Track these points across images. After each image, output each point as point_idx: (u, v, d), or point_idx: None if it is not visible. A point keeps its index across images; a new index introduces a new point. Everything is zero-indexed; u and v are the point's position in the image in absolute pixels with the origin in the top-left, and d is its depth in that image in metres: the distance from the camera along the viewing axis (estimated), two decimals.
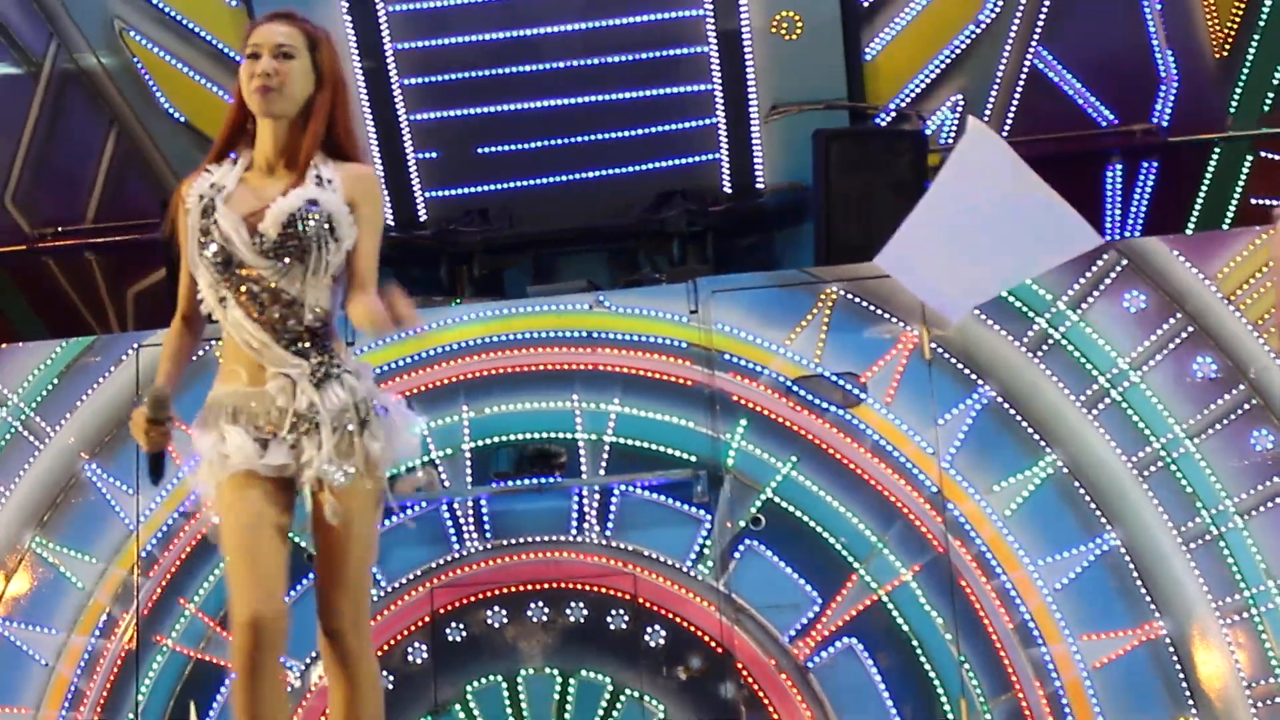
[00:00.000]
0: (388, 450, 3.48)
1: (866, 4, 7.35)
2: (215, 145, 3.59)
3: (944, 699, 6.04)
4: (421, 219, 7.59)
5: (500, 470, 6.44)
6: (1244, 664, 5.93)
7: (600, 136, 7.47)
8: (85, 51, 7.68)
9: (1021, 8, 7.34)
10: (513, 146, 7.49)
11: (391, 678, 6.25)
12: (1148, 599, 6.00)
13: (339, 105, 3.56)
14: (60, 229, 7.90)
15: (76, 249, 7.92)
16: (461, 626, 6.31)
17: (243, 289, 3.46)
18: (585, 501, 6.36)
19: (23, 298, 8.01)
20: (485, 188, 7.60)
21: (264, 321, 3.44)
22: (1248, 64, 7.37)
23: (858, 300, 6.34)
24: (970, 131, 4.49)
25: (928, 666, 6.07)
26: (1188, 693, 5.93)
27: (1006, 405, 6.20)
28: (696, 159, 7.50)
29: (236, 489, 3.38)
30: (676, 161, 7.51)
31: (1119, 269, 6.23)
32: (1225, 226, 7.36)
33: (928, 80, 7.44)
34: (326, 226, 3.46)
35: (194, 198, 3.52)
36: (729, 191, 7.51)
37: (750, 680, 6.14)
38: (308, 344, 3.45)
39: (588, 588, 6.28)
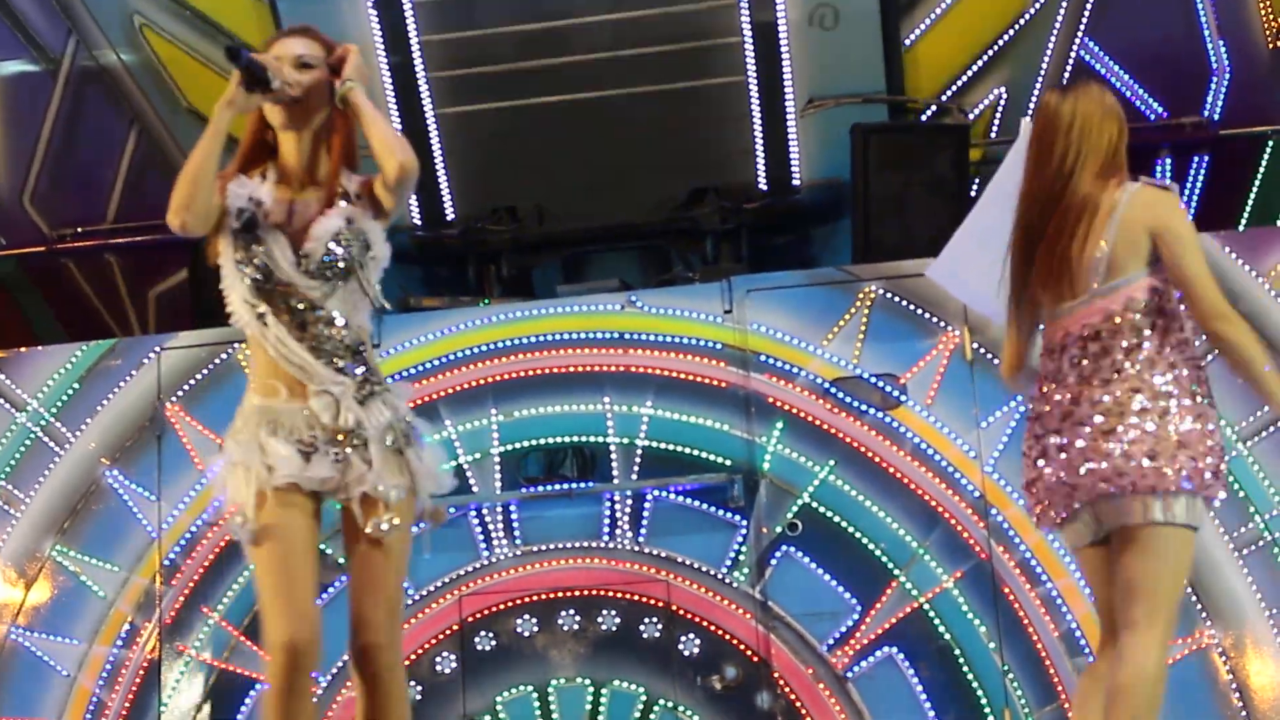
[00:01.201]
0: (430, 472, 3.58)
1: None
2: (238, 159, 3.63)
3: (987, 710, 5.95)
4: (449, 217, 7.54)
5: (530, 475, 6.40)
6: None
7: (632, 131, 7.39)
8: (105, 48, 7.63)
9: None
10: (542, 142, 7.41)
11: (419, 687, 6.21)
12: (1198, 607, 5.88)
13: (352, 117, 3.64)
14: (80, 230, 7.84)
15: (97, 250, 7.87)
16: (491, 635, 6.25)
17: (284, 306, 3.52)
18: (617, 507, 6.30)
19: (42, 300, 7.97)
20: (514, 185, 7.52)
21: (306, 338, 3.50)
22: None
23: (897, 299, 6.26)
24: (1024, 135, 4.40)
25: (970, 676, 5.99)
26: (1240, 703, 5.82)
27: None
28: (731, 154, 7.40)
29: (278, 503, 3.45)
30: (710, 157, 7.44)
31: None
32: (1279, 223, 7.22)
33: (970, 73, 7.37)
34: (364, 243, 3.55)
35: (233, 208, 3.55)
36: (764, 188, 7.44)
37: (787, 690, 6.07)
38: (349, 361, 3.53)
39: (620, 595, 6.22)
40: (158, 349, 6.60)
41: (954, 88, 7.36)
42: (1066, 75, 7.30)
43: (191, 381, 6.52)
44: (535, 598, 6.24)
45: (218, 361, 6.50)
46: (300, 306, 3.51)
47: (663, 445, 6.28)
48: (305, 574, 3.45)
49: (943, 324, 6.19)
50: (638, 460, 6.28)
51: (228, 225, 3.54)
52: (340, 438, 3.47)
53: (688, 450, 6.27)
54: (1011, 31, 7.33)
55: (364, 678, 3.49)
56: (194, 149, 3.51)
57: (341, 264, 3.51)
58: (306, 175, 3.60)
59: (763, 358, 6.27)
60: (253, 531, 3.44)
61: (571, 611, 6.21)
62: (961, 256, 4.56)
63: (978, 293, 4.58)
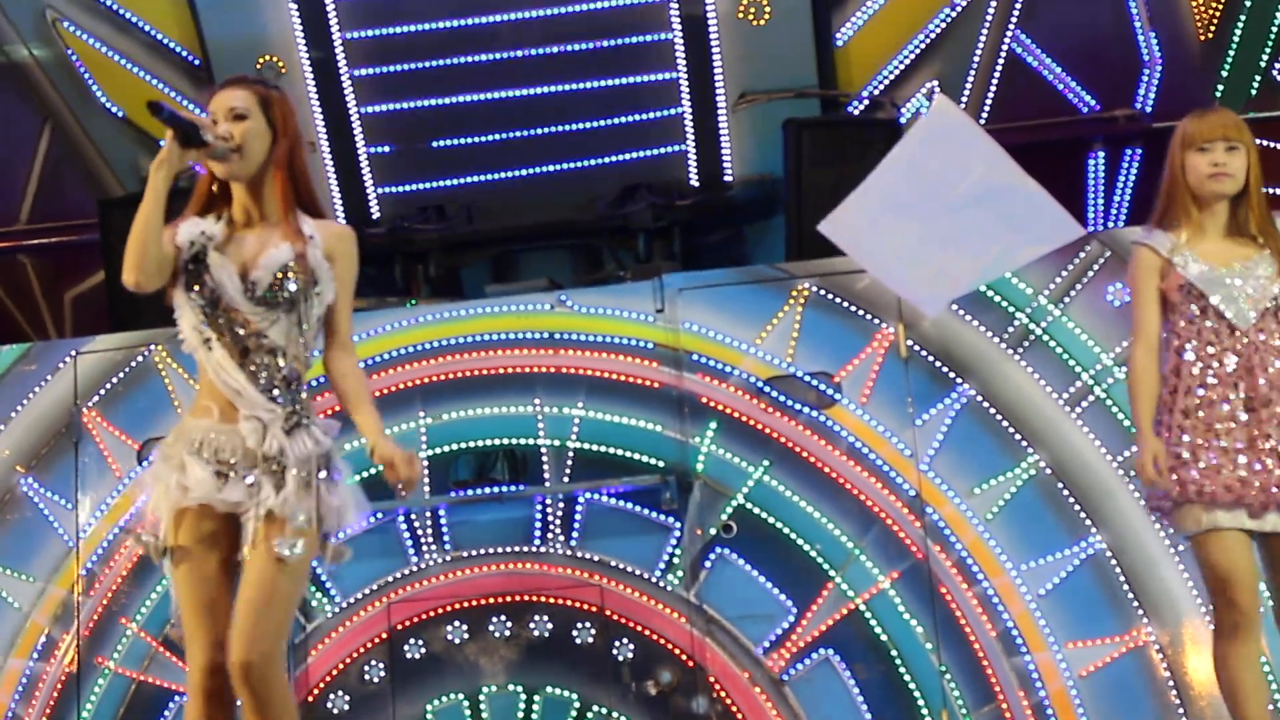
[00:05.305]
0: (336, 509, 3.76)
1: None
2: (191, 206, 3.87)
3: (925, 711, 5.93)
4: (374, 216, 7.49)
5: (459, 479, 6.33)
6: None
7: (561, 128, 7.40)
8: (16, 43, 7.55)
9: None
10: (470, 140, 7.41)
11: (348, 698, 6.14)
12: (1135, 604, 5.88)
13: (297, 157, 3.88)
14: None
15: (10, 252, 7.79)
16: (420, 643, 6.19)
17: (227, 333, 3.75)
18: (549, 510, 6.24)
19: None
20: (441, 183, 7.50)
21: (245, 365, 3.73)
22: (1233, 46, 7.33)
23: (831, 296, 6.23)
24: (936, 108, 4.36)
25: (907, 677, 5.96)
26: (1178, 701, 5.80)
27: (987, 404, 6.09)
28: (662, 151, 7.41)
29: (194, 526, 3.68)
30: (641, 154, 7.45)
31: (1102, 261, 6.09)
32: None
33: (901, 66, 7.37)
34: (311, 279, 3.78)
35: (184, 241, 3.78)
36: (696, 184, 7.43)
37: (723, 694, 6.03)
38: (283, 391, 3.75)
39: (552, 600, 6.17)
40: (74, 353, 6.50)
41: (886, 81, 7.37)
42: (998, 68, 7.34)
43: (108, 385, 6.41)
44: (466, 604, 6.18)
45: (135, 364, 6.41)
46: (244, 333, 3.73)
47: (595, 447, 6.23)
48: (221, 601, 3.68)
49: (877, 321, 6.16)
50: (569, 462, 6.23)
51: (180, 262, 3.76)
52: (260, 463, 3.68)
53: (620, 452, 6.22)
54: (942, 25, 7.34)
55: (247, 694, 3.64)
56: (138, 212, 3.67)
57: (285, 293, 3.73)
58: (258, 214, 3.83)
59: (695, 357, 6.22)
60: (169, 550, 3.67)
61: (503, 618, 6.16)
62: (861, 218, 4.54)
63: (878, 258, 4.57)
